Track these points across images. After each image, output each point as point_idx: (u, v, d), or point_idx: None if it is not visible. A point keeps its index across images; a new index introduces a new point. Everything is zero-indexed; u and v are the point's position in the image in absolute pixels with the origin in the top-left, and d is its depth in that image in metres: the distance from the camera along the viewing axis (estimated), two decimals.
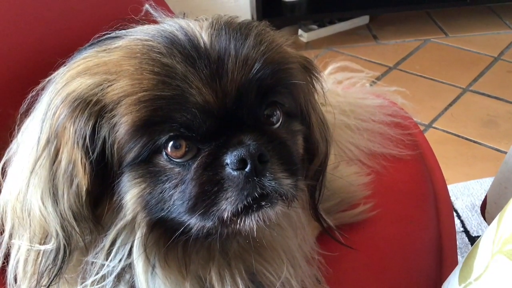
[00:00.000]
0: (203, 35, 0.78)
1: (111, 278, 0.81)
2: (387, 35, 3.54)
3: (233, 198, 0.74)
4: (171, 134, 0.74)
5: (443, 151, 2.53)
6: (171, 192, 0.76)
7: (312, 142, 0.92)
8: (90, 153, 0.75)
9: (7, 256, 0.86)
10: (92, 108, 0.75)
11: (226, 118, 0.76)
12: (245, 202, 0.74)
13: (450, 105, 2.89)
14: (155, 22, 0.86)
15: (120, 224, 0.80)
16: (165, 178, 0.76)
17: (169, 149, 0.75)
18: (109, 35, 0.82)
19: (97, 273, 0.81)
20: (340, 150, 1.26)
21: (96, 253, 0.81)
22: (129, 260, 0.82)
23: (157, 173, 0.76)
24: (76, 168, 0.75)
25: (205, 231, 0.78)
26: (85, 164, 0.75)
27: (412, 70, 3.18)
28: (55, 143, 0.76)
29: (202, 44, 0.77)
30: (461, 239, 2.17)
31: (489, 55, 3.27)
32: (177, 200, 0.76)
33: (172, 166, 0.76)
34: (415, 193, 1.25)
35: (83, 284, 0.81)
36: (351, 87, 1.50)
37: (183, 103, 0.73)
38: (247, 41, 0.79)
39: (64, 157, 0.76)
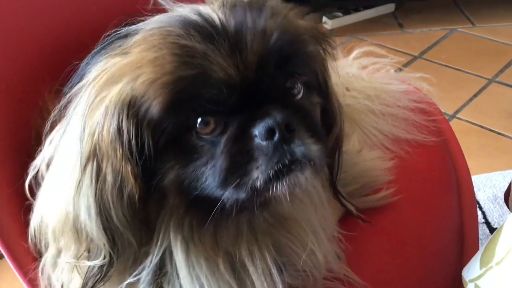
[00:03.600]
0: (218, 12, 0.80)
1: (151, 267, 0.84)
2: (413, 23, 3.49)
3: (264, 166, 0.76)
4: (199, 111, 0.76)
5: (467, 142, 2.50)
6: (203, 169, 0.78)
7: (329, 114, 0.94)
8: (137, 158, 0.77)
9: None
10: (130, 109, 0.77)
11: (249, 91, 0.77)
12: (276, 169, 0.76)
13: (475, 95, 2.85)
14: (164, 11, 0.87)
15: (163, 212, 0.83)
16: (196, 156, 0.78)
17: (198, 126, 0.77)
18: (119, 34, 0.84)
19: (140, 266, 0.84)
20: (364, 135, 1.26)
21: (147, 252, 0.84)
22: (167, 243, 0.84)
23: (189, 152, 0.78)
24: (126, 179, 0.77)
25: (239, 204, 0.79)
26: (135, 173, 0.77)
27: (437, 59, 3.14)
28: (96, 160, 0.77)
29: (218, 21, 0.78)
30: (482, 231, 2.16)
31: None
32: (209, 177, 0.78)
33: (202, 143, 0.78)
34: (438, 180, 1.24)
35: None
36: (375, 72, 1.49)
37: (206, 80, 0.75)
38: (262, 13, 0.80)
39: (109, 171, 0.77)
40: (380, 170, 1.17)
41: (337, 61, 1.44)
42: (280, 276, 0.88)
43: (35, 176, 0.88)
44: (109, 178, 0.77)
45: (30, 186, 0.89)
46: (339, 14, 3.51)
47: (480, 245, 1.26)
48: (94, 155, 0.78)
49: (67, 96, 0.84)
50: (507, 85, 2.91)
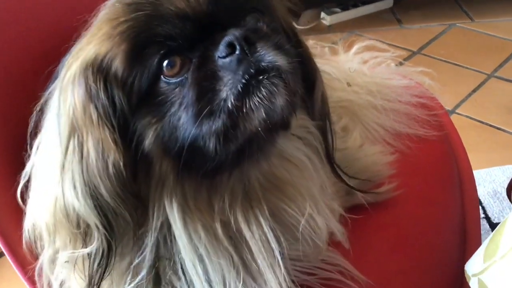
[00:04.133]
0: None
1: (152, 243, 0.82)
2: (412, 19, 3.49)
3: (230, 81, 0.75)
4: (161, 51, 0.76)
5: (466, 137, 2.46)
6: (178, 114, 0.77)
7: (306, 70, 0.91)
8: (113, 122, 0.76)
9: None
10: (94, 68, 0.77)
11: (204, 21, 0.78)
12: (243, 80, 0.74)
13: (474, 91, 2.85)
14: None
15: (153, 182, 0.81)
16: (169, 103, 0.77)
17: (165, 70, 0.76)
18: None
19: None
20: (366, 130, 1.26)
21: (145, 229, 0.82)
22: (164, 216, 0.83)
23: (161, 102, 0.77)
24: (107, 147, 0.76)
25: (221, 140, 0.76)
26: (114, 138, 0.76)
27: (436, 55, 3.14)
28: (77, 133, 0.77)
29: None
30: (482, 226, 2.15)
31: None
32: (184, 118, 0.76)
33: (173, 87, 0.77)
34: (440, 174, 1.24)
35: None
36: (376, 66, 1.49)
37: (158, 16, 0.76)
38: None
39: (90, 144, 0.76)
40: (381, 165, 1.17)
41: (338, 56, 1.45)
42: (278, 242, 0.87)
43: (27, 184, 0.87)
44: (92, 151, 0.76)
45: (22, 193, 0.88)
46: (338, 10, 3.50)
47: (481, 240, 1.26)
48: (74, 131, 0.77)
49: (47, 92, 0.85)
50: (506, 80, 2.91)
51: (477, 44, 3.22)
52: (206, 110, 0.75)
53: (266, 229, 0.86)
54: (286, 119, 0.83)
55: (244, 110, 0.75)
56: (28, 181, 0.87)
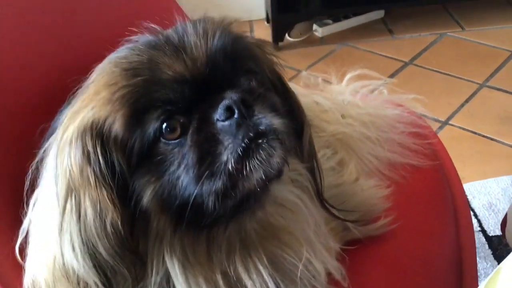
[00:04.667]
0: (160, 32, 0.86)
1: None
2: (403, 29, 3.52)
3: (231, 145, 0.77)
4: (161, 116, 0.78)
5: (460, 148, 2.53)
6: (177, 174, 0.79)
7: (295, 116, 0.95)
8: (111, 182, 0.78)
9: None
10: (92, 132, 0.79)
11: (202, 83, 0.80)
12: (243, 144, 0.77)
13: (467, 101, 2.88)
14: None
15: (151, 237, 0.83)
16: (169, 162, 0.79)
17: (165, 133, 0.79)
18: (80, 88, 0.87)
19: None
20: (361, 162, 1.28)
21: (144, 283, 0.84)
22: (163, 271, 0.84)
23: (160, 161, 0.80)
24: (104, 207, 0.78)
25: (220, 198, 0.79)
26: (111, 198, 0.78)
27: (428, 65, 3.17)
28: (75, 194, 0.78)
29: (161, 36, 0.84)
30: (477, 239, 2.18)
31: (507, 50, 3.24)
32: (184, 177, 0.79)
33: (172, 148, 0.79)
34: (435, 204, 1.26)
35: None
36: (369, 94, 1.51)
37: (157, 82, 0.78)
38: (203, 22, 0.86)
39: (88, 204, 0.78)
40: (377, 199, 1.19)
41: (332, 86, 1.47)
42: None
43: (25, 240, 0.88)
44: (89, 211, 0.78)
45: (20, 250, 0.89)
46: (329, 21, 3.53)
47: (476, 253, 1.28)
48: (71, 191, 0.79)
49: (42, 150, 0.86)
50: (498, 89, 2.94)
51: (468, 53, 3.26)
52: (207, 172, 0.77)
53: (266, 276, 0.88)
54: (280, 170, 0.86)
55: (244, 172, 0.78)
56: (26, 237, 0.88)
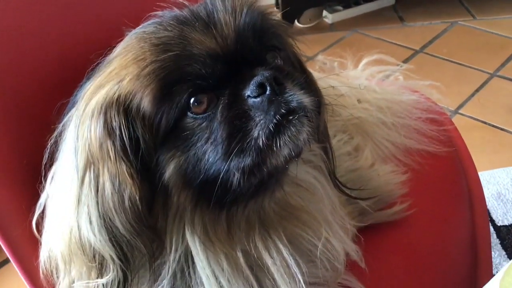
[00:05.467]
0: (190, 8, 0.85)
1: (170, 274, 0.83)
2: (414, 16, 3.49)
3: (262, 121, 0.77)
4: (190, 90, 0.77)
5: (470, 138, 2.48)
6: (204, 148, 0.79)
7: (313, 93, 0.93)
8: (132, 157, 0.78)
9: None
10: (118, 107, 0.78)
11: (233, 60, 0.80)
12: (274, 121, 0.77)
13: (477, 90, 2.86)
14: None
15: (171, 214, 0.83)
16: (196, 137, 0.79)
17: (192, 106, 0.78)
18: (101, 63, 0.86)
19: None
20: (377, 147, 1.27)
21: (161, 260, 0.83)
22: (182, 248, 0.84)
23: (187, 136, 0.79)
24: (124, 181, 0.77)
25: (246, 175, 0.79)
26: (131, 172, 0.77)
27: (438, 53, 3.15)
28: (93, 167, 0.78)
29: (188, 11, 0.83)
30: None
31: None
32: (212, 152, 0.78)
33: (199, 122, 0.79)
34: (450, 191, 1.25)
35: None
36: (384, 79, 1.50)
37: (188, 56, 0.78)
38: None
39: (106, 177, 0.78)
40: (394, 184, 1.18)
41: (348, 71, 1.45)
42: (298, 268, 0.88)
43: (42, 215, 0.88)
44: (108, 184, 0.78)
45: (37, 224, 0.89)
46: (340, 8, 3.50)
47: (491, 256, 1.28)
48: (90, 164, 0.78)
49: (61, 124, 0.85)
50: (509, 79, 2.92)
51: (479, 42, 3.23)
52: (237, 148, 0.77)
53: (286, 255, 0.88)
54: (302, 149, 0.86)
55: (274, 149, 0.78)
56: (43, 211, 0.88)
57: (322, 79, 1.33)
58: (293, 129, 0.78)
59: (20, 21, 1.09)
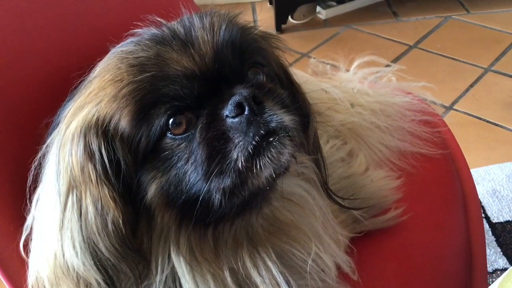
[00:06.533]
0: (167, 25, 0.84)
1: None
2: (408, 11, 3.48)
3: (241, 142, 0.76)
4: (168, 112, 0.76)
5: (464, 134, 2.51)
6: (184, 168, 0.78)
7: (301, 107, 0.94)
8: (113, 179, 0.77)
9: None
10: (97, 130, 0.77)
11: (211, 78, 0.79)
12: (253, 142, 0.76)
13: (471, 86, 2.85)
14: None
15: (155, 235, 0.82)
16: (176, 158, 0.78)
17: (171, 128, 0.77)
18: (82, 82, 0.85)
19: None
20: (371, 151, 1.26)
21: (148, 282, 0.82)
22: (168, 269, 0.83)
23: (167, 157, 0.78)
24: (106, 204, 0.76)
25: (227, 196, 0.78)
26: (113, 196, 0.77)
27: (432, 48, 3.14)
28: (76, 191, 0.77)
29: (166, 30, 0.82)
30: None
31: None
32: (192, 173, 0.77)
33: (178, 143, 0.78)
34: (444, 195, 1.25)
35: None
36: (377, 81, 1.49)
37: (165, 77, 0.76)
38: (209, 15, 0.84)
39: (89, 201, 0.77)
40: (388, 190, 1.17)
41: (340, 74, 1.44)
42: (288, 285, 0.87)
43: (29, 237, 0.87)
44: (90, 208, 0.77)
45: (24, 246, 0.88)
46: (333, 3, 3.49)
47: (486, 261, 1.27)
48: (72, 188, 0.77)
49: (44, 146, 0.85)
50: (503, 74, 2.91)
51: (473, 36, 3.22)
52: (217, 169, 0.76)
53: (275, 272, 0.87)
54: (288, 166, 0.85)
55: (254, 170, 0.77)
56: (30, 233, 0.87)
57: (314, 83, 1.32)
58: (273, 151, 0.77)
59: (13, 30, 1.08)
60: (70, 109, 0.80)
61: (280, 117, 0.77)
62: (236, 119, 0.76)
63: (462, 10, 3.47)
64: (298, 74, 1.30)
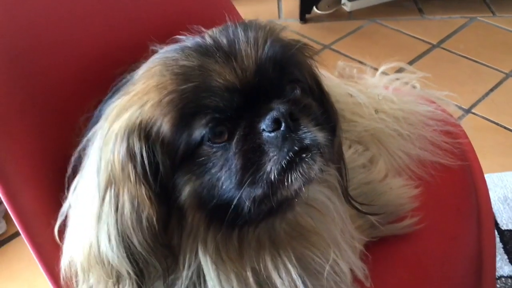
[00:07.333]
0: (209, 35, 0.86)
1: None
2: (433, 9, 3.46)
3: (275, 157, 0.79)
4: (209, 123, 0.80)
5: (481, 139, 2.51)
6: (218, 175, 0.81)
7: (330, 116, 0.97)
8: (151, 180, 0.81)
9: None
10: (140, 133, 0.81)
11: (251, 92, 0.81)
12: (287, 157, 0.79)
13: (492, 90, 2.84)
14: None
15: (185, 233, 0.86)
16: (211, 164, 0.82)
17: (210, 137, 0.80)
18: (125, 80, 0.89)
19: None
20: (391, 158, 1.29)
21: (175, 276, 0.87)
22: (195, 266, 0.87)
23: (203, 162, 0.82)
24: (142, 202, 0.80)
25: (256, 203, 0.82)
26: (149, 195, 0.80)
27: (455, 49, 3.12)
28: (114, 187, 0.81)
29: (210, 40, 0.85)
30: None
31: None
32: (225, 180, 0.81)
33: (215, 151, 0.81)
34: (460, 207, 1.27)
35: None
36: (401, 87, 1.50)
37: (207, 89, 0.79)
38: (251, 27, 0.86)
39: (126, 198, 0.81)
40: (406, 198, 1.20)
41: (366, 78, 1.46)
42: (306, 287, 0.91)
43: (64, 223, 0.90)
44: (127, 204, 0.81)
45: (59, 231, 0.91)
46: None
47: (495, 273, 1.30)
48: (111, 184, 0.81)
49: (85, 139, 0.88)
50: None
51: (497, 40, 3.20)
52: (250, 179, 0.79)
53: (294, 275, 0.91)
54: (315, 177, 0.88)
55: (285, 183, 0.81)
56: (65, 220, 0.91)
57: (340, 86, 1.34)
58: (305, 166, 0.81)
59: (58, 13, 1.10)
60: (114, 109, 0.84)
61: (314, 134, 0.81)
62: (272, 134, 0.79)
63: (488, 12, 3.44)
64: (326, 76, 1.33)
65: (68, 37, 1.10)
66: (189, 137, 0.80)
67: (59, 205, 0.89)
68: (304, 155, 0.80)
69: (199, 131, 0.80)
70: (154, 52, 0.89)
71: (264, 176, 0.79)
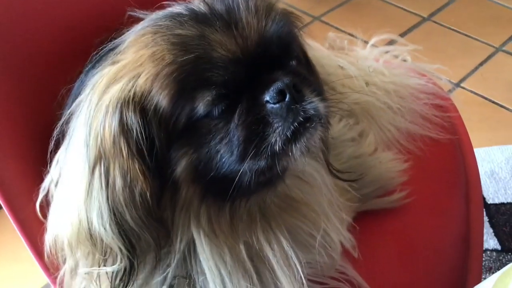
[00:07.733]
0: (204, 2, 0.82)
1: (174, 264, 0.86)
2: None
3: (280, 128, 0.79)
4: (212, 96, 0.77)
5: (469, 113, 2.45)
6: (217, 148, 0.80)
7: (316, 83, 0.95)
8: (146, 154, 0.78)
9: None
10: (135, 106, 0.77)
11: (253, 63, 0.79)
12: (292, 128, 0.79)
13: (481, 64, 2.83)
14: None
15: (178, 206, 0.85)
16: (210, 136, 0.80)
17: (210, 109, 0.78)
18: (107, 48, 0.85)
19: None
20: (381, 132, 1.28)
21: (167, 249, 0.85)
22: (187, 239, 0.86)
23: (202, 135, 0.80)
24: (135, 177, 0.78)
25: (258, 175, 0.82)
26: (142, 169, 0.78)
27: (446, 23, 3.10)
28: (104, 161, 0.78)
29: (205, 6, 0.81)
30: None
31: None
32: (225, 153, 0.80)
33: (216, 123, 0.80)
34: (449, 181, 1.27)
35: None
36: (392, 59, 1.48)
37: (209, 60, 0.77)
38: None
39: (117, 173, 0.78)
40: (395, 172, 1.20)
41: (357, 50, 1.44)
42: (298, 259, 0.91)
43: (46, 198, 0.88)
44: (118, 179, 0.78)
45: (41, 207, 0.89)
46: None
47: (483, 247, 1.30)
48: (101, 158, 0.78)
49: (68, 112, 0.85)
50: None
51: (488, 14, 3.17)
52: (253, 152, 0.78)
53: (286, 247, 0.91)
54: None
55: (289, 153, 0.80)
56: (47, 195, 0.88)
57: (330, 58, 1.32)
58: (308, 135, 0.81)
59: None
60: (102, 79, 0.80)
61: (317, 105, 0.81)
62: (277, 105, 0.78)
63: None
64: (316, 47, 1.31)
65: (47, 4, 1.06)
66: (191, 111, 0.77)
67: (42, 180, 0.87)
68: (307, 125, 0.80)
69: (203, 105, 0.77)
70: (132, 18, 0.85)
71: (269, 148, 0.79)
